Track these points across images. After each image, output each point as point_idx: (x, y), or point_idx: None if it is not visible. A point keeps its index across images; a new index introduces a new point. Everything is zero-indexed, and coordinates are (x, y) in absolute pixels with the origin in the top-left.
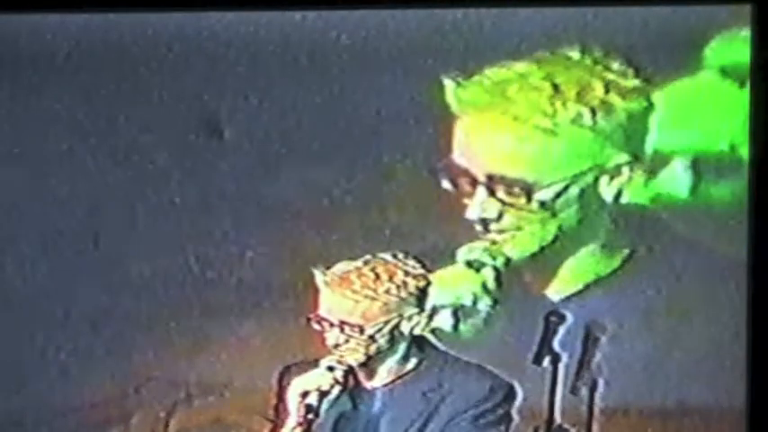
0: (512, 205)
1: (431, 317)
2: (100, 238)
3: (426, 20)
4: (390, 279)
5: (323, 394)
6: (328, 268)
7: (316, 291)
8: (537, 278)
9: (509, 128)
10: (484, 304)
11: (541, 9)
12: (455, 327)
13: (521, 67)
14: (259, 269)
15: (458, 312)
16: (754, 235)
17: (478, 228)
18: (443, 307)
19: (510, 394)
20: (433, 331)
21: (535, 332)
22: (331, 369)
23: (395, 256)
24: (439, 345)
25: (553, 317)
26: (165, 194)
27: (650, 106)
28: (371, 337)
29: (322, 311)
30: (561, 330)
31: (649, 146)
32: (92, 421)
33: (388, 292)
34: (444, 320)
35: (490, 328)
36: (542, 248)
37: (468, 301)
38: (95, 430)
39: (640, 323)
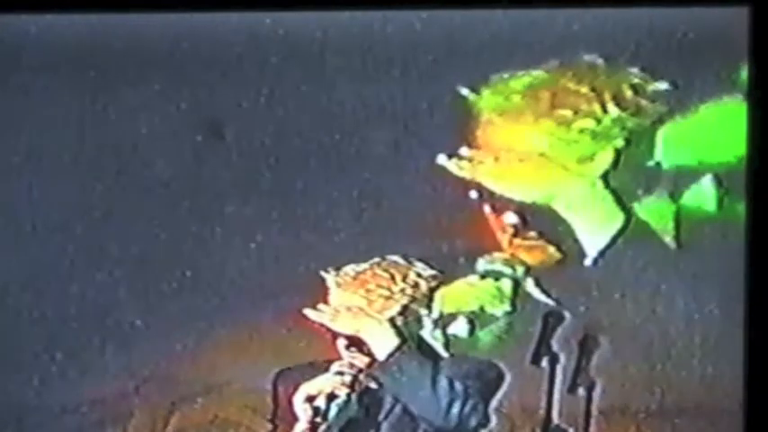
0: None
1: (447, 323)
2: (99, 238)
3: (445, 25)
4: (404, 280)
5: (331, 398)
6: (337, 270)
7: (319, 291)
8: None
9: (547, 130)
10: (501, 312)
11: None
12: (471, 333)
13: (547, 73)
14: (260, 269)
15: (473, 320)
16: (751, 238)
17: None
18: (460, 314)
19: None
20: (447, 338)
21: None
22: (340, 373)
23: (404, 258)
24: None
25: (551, 317)
26: (166, 195)
27: (671, 113)
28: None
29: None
30: (559, 330)
31: (673, 155)
32: (92, 420)
33: (403, 292)
34: (460, 327)
35: (506, 335)
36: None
37: (486, 310)
38: (95, 429)
39: (639, 323)
